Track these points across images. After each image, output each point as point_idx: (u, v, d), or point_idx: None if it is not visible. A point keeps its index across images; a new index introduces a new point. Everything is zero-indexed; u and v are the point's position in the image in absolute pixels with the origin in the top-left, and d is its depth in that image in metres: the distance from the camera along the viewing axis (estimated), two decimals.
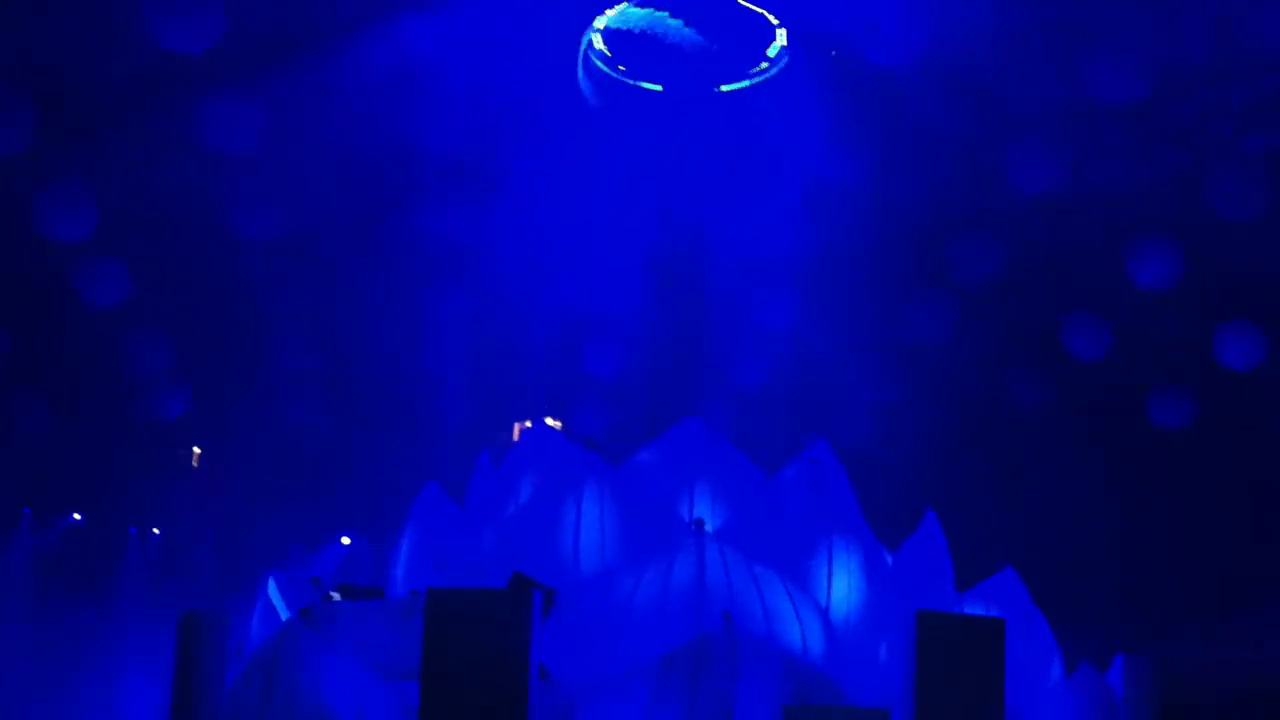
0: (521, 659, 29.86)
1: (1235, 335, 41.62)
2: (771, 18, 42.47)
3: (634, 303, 46.03)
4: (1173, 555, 39.73)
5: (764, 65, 43.19)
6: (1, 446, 39.71)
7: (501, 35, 45.17)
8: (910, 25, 40.92)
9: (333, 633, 31.56)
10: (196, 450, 46.18)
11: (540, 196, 46.28)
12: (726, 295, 45.92)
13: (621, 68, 42.60)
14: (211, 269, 44.51)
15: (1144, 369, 42.29)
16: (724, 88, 43.64)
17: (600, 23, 41.94)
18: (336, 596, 33.67)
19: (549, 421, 37.59)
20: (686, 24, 40.54)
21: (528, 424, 38.91)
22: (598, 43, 42.67)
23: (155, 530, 40.43)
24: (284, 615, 33.48)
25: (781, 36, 42.44)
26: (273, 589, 34.19)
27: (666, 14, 40.89)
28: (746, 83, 43.55)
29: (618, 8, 41.40)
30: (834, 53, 43.75)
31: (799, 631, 31.91)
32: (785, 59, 42.64)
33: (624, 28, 40.79)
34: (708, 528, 33.51)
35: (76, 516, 40.93)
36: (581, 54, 43.18)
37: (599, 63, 41.81)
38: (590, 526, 33.73)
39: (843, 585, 33.06)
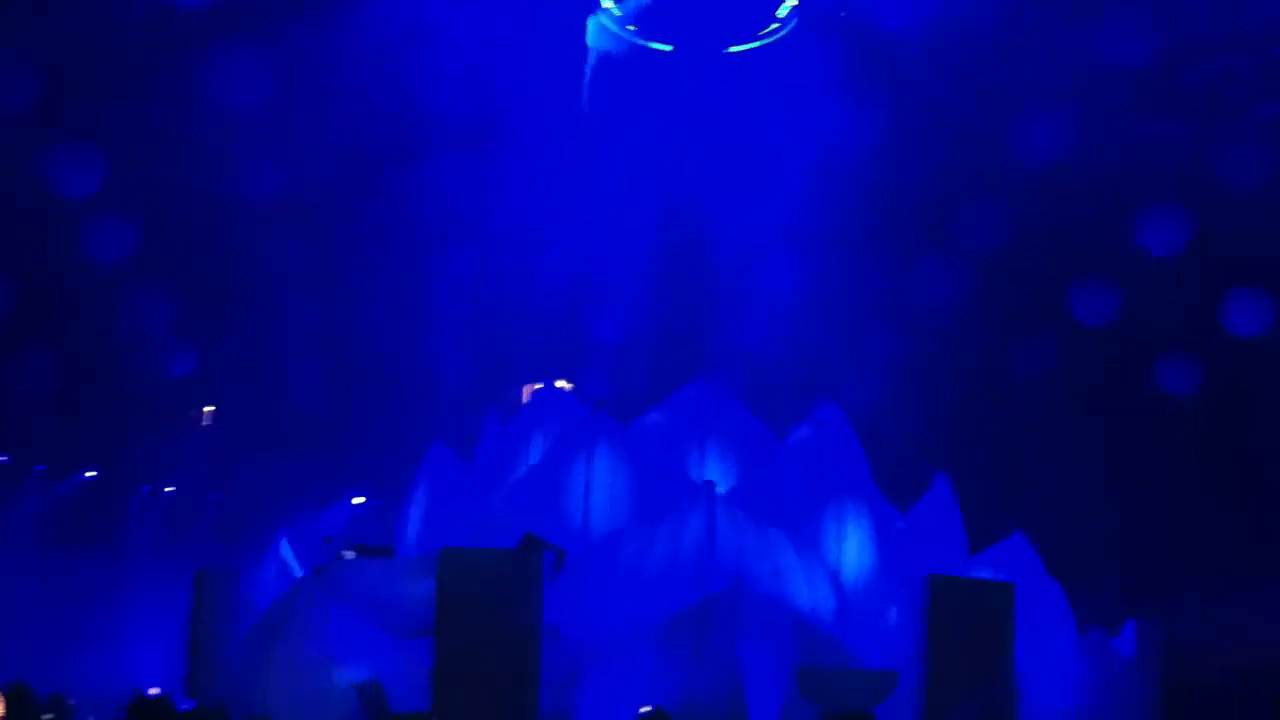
0: (532, 618, 30.02)
1: (1243, 302, 41.67)
2: None
3: (640, 266, 45.96)
4: (1181, 521, 39.86)
5: (774, 26, 42.96)
6: (12, 404, 39.70)
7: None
8: None
9: (345, 591, 31.73)
10: (207, 408, 46.20)
11: (545, 159, 46.13)
12: (733, 258, 45.85)
13: (631, 28, 42.43)
14: (217, 226, 44.38)
15: (1151, 336, 42.31)
16: (733, 49, 43.41)
17: None
18: (349, 555, 33.80)
19: (559, 383, 37.64)
20: None
21: (538, 386, 38.94)
22: (607, 2, 42.46)
23: (167, 489, 40.48)
24: (296, 573, 33.65)
25: None
26: (285, 547, 34.33)
27: None
28: (756, 44, 43.31)
29: None
30: (844, 13, 43.54)
31: (808, 593, 32.14)
32: (795, 20, 42.44)
33: None
34: (718, 489, 33.69)
35: (89, 474, 40.97)
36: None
37: (609, 23, 41.61)
38: (601, 487, 33.91)
39: (852, 548, 33.28)
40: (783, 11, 41.11)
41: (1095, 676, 32.27)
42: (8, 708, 28.70)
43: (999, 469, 39.58)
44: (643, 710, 28.88)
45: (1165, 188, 42.67)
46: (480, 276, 45.82)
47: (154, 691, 30.01)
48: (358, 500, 36.73)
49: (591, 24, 44.40)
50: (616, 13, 41.22)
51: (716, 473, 34.57)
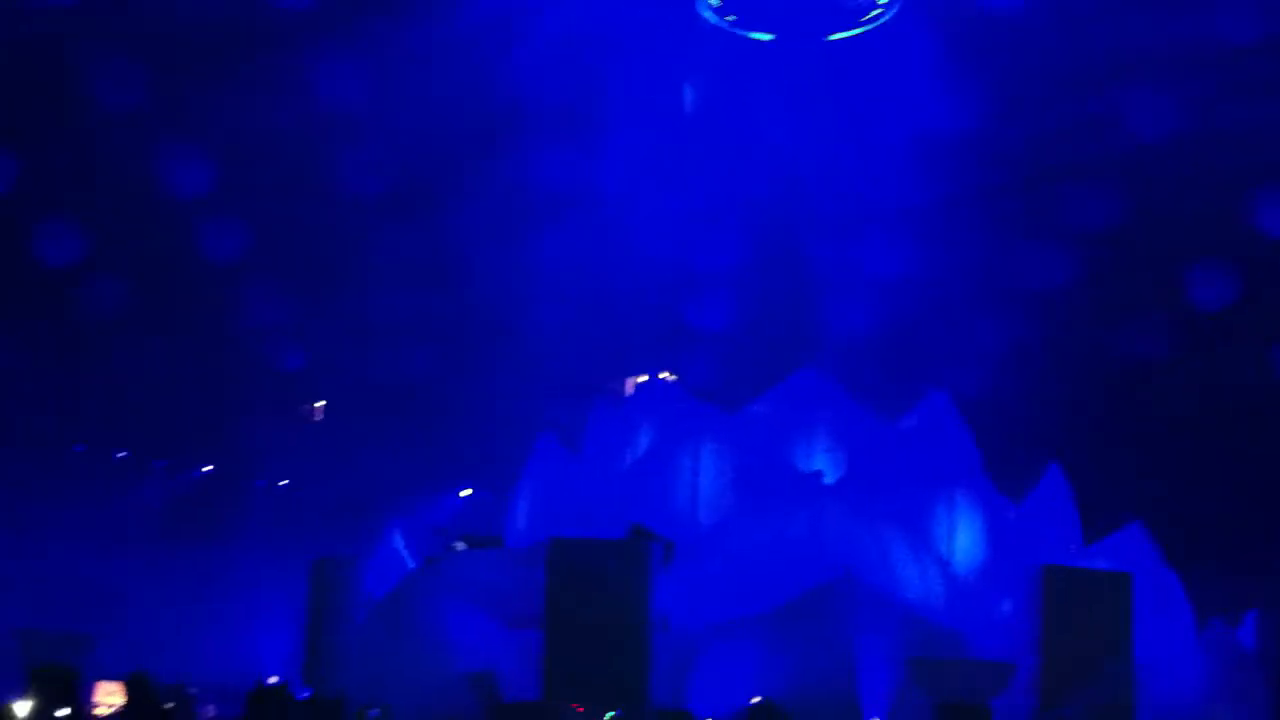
0: (642, 608, 30.20)
1: None
2: None
3: (744, 252, 45.80)
4: None
5: (875, 12, 42.52)
6: (130, 400, 40.58)
7: None
8: None
9: (456, 581, 32.08)
10: (319, 404, 46.88)
11: (646, 147, 46.11)
12: (839, 243, 45.49)
13: (731, 17, 42.21)
14: (327, 222, 45.01)
15: (1272, 321, 41.27)
16: (834, 36, 43.03)
17: None
18: (460, 546, 34.12)
19: (663, 374, 37.63)
20: None
21: (643, 378, 39.00)
22: None
23: (282, 481, 41.18)
24: (408, 563, 34.07)
25: None
26: (397, 538, 34.75)
27: None
28: (857, 30, 42.91)
29: None
30: None
31: (919, 584, 31.85)
32: (897, 6, 41.98)
33: None
34: (826, 479, 33.50)
35: (206, 468, 41.80)
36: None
37: (709, 13, 41.43)
38: (707, 478, 33.88)
39: (964, 538, 32.91)
40: None
41: (1215, 668, 31.52)
42: (130, 697, 29.38)
43: (1113, 456, 38.87)
44: (753, 700, 28.87)
45: None
46: (584, 267, 45.96)
47: (273, 680, 30.52)
48: (465, 492, 37.03)
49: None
50: (715, 2, 41.03)
51: (824, 462, 34.33)
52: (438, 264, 45.06)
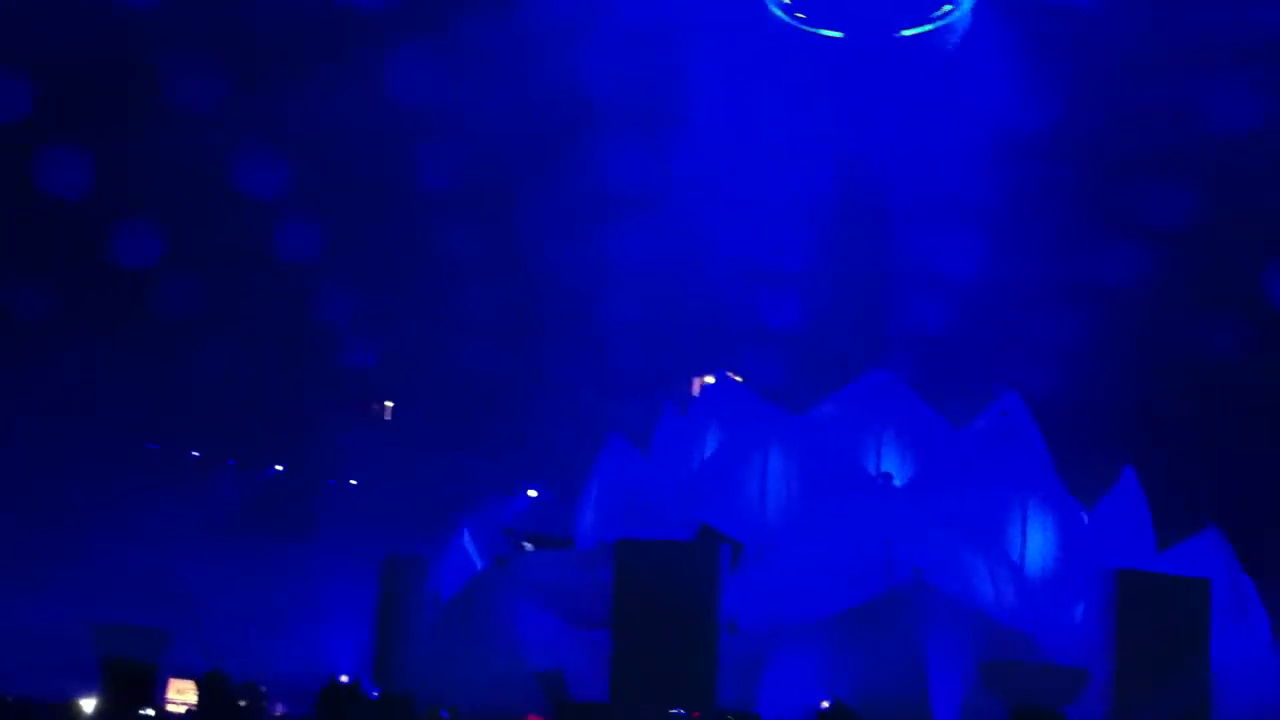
0: (710, 610, 30.14)
1: None
2: None
3: (815, 251, 45.53)
4: None
5: (947, 9, 42.16)
6: (203, 400, 41.02)
7: None
8: None
9: (525, 581, 32.15)
10: (388, 404, 47.18)
11: (719, 144, 45.98)
12: (910, 242, 45.08)
13: (800, 15, 41.99)
14: (400, 221, 45.29)
15: None
16: (905, 32, 42.68)
17: None
18: (528, 546, 34.21)
19: (730, 374, 37.48)
20: None
21: (709, 379, 38.86)
22: None
23: (353, 481, 41.48)
24: (477, 563, 34.18)
25: None
26: (466, 538, 34.86)
27: None
28: (929, 26, 42.54)
29: None
30: None
31: (991, 588, 31.50)
32: (968, 2, 41.58)
33: None
34: (895, 482, 33.23)
35: (278, 468, 42.19)
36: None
37: (779, 11, 41.23)
38: (776, 479, 33.72)
39: (1036, 542, 32.51)
40: None
41: None
42: (203, 695, 29.72)
43: (1188, 459, 38.21)
44: (824, 704, 28.70)
45: None
46: (655, 265, 45.90)
47: (344, 679, 30.72)
48: (532, 493, 37.09)
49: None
50: (787, 1, 40.87)
51: (894, 464, 34.06)
52: (510, 263, 45.20)
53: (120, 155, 40.99)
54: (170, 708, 30.49)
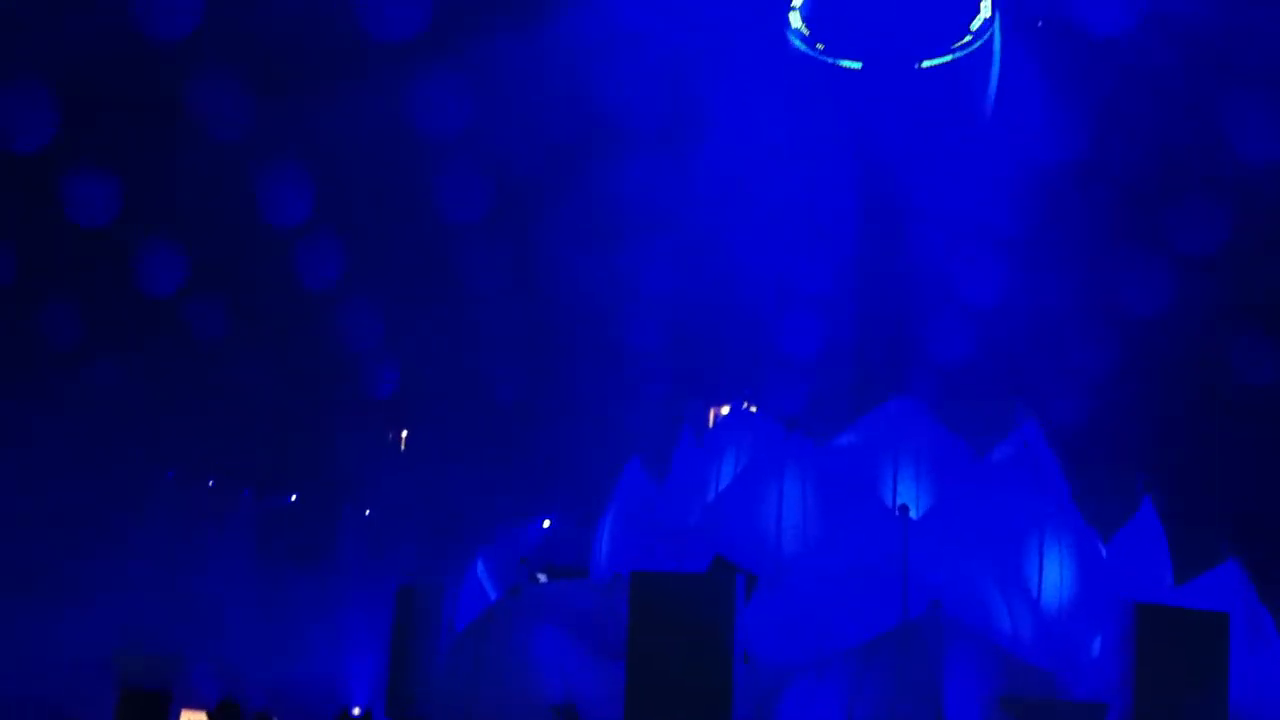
0: (725, 642, 29.89)
1: None
2: None
3: (835, 278, 45.39)
4: None
5: (967, 39, 42.12)
6: (219, 427, 41.23)
7: (700, 8, 44.90)
8: None
9: (540, 611, 32.05)
10: (404, 432, 47.28)
11: (740, 170, 45.95)
12: (933, 269, 44.92)
13: (820, 45, 42.01)
14: (421, 246, 45.41)
15: None
16: (925, 63, 42.68)
17: (798, 1, 41.35)
18: (542, 577, 34.11)
19: (746, 404, 37.40)
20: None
21: (725, 409, 38.79)
22: (795, 21, 42.08)
23: (367, 511, 41.56)
24: (492, 593, 34.10)
25: (986, 8, 41.20)
26: (481, 568, 34.81)
27: None
28: (949, 57, 42.50)
29: None
30: (1040, 23, 42.35)
31: (1009, 621, 31.20)
32: (989, 31, 41.51)
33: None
34: (913, 513, 32.95)
35: (293, 496, 42.32)
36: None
37: (798, 41, 41.26)
38: (793, 509, 33.50)
39: (1054, 574, 32.20)
40: (976, 24, 40.20)
41: None
42: None
43: (1207, 489, 37.82)
44: None
45: None
46: (673, 293, 45.88)
47: (356, 711, 30.73)
48: (546, 523, 37.08)
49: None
50: (805, 31, 40.88)
51: (911, 495, 33.79)
52: (530, 288, 45.24)
53: (135, 180, 41.28)
54: None
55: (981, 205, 44.13)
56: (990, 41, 41.04)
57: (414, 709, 31.56)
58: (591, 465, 38.38)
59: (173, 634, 31.36)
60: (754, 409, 36.51)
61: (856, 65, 41.23)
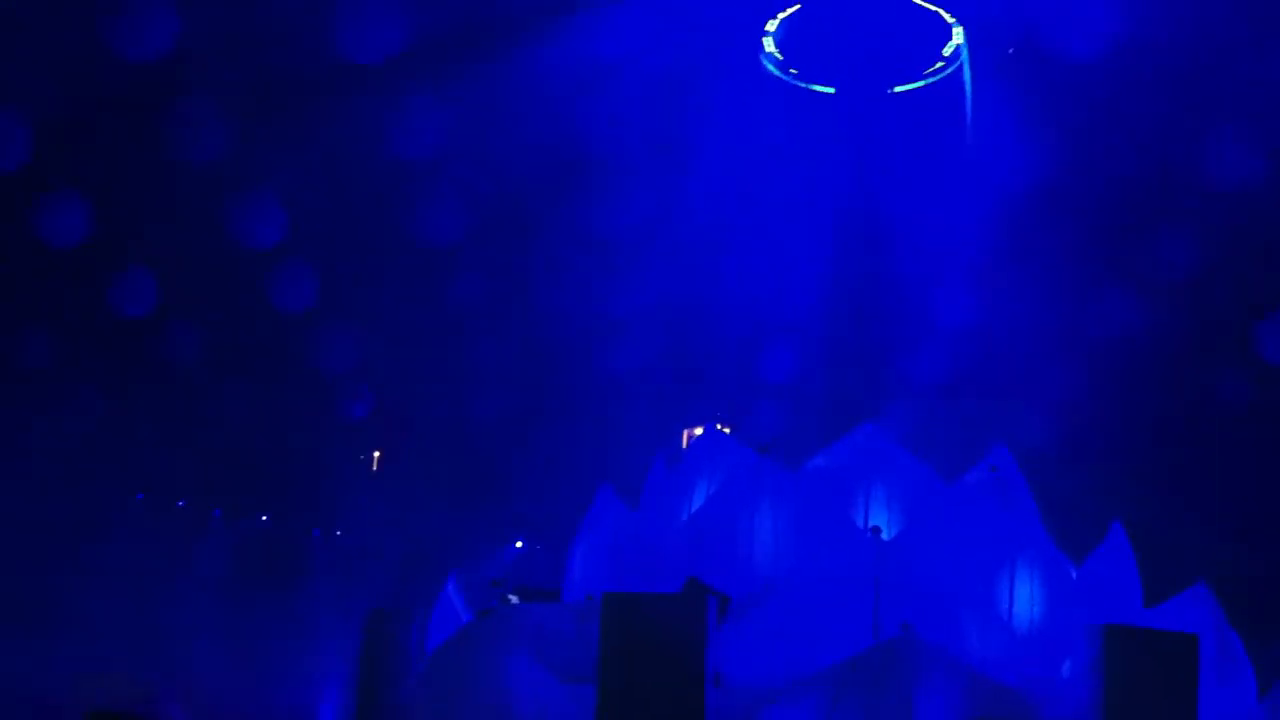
0: (698, 664, 29.80)
1: None
2: (948, 16, 41.62)
3: (812, 304, 45.56)
4: None
5: (939, 65, 42.41)
6: (190, 449, 41.08)
7: (678, 36, 45.10)
8: (1096, 18, 39.70)
9: (511, 634, 31.93)
10: (376, 454, 47.19)
11: (717, 197, 46.14)
12: (906, 295, 45.15)
13: (794, 70, 42.24)
14: (396, 273, 45.40)
15: None
16: (897, 89, 42.96)
17: (772, 26, 41.61)
18: (514, 599, 34.02)
19: (719, 427, 37.47)
20: (859, 25, 40.08)
21: (698, 431, 38.85)
22: (769, 46, 42.34)
23: (338, 532, 41.42)
24: (463, 616, 33.99)
25: (958, 35, 41.54)
26: (452, 590, 34.70)
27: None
28: (921, 83, 42.79)
29: (789, 10, 41.05)
30: (1011, 50, 42.68)
31: (979, 643, 31.26)
32: (961, 58, 41.80)
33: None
34: (884, 535, 33.00)
35: (263, 518, 42.16)
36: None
37: (772, 66, 41.51)
38: (765, 534, 33.53)
39: (1024, 598, 32.30)
40: (948, 50, 40.50)
41: None
42: None
43: (1175, 515, 38.00)
44: None
45: None
46: (650, 318, 45.95)
47: None
48: (519, 545, 37.00)
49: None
50: (779, 56, 41.11)
51: (883, 518, 33.88)
52: (503, 314, 45.27)
53: (111, 203, 41.23)
54: None
55: (954, 229, 44.40)
56: (962, 68, 41.33)
57: None
58: (564, 489, 38.32)
59: (140, 657, 31.12)
60: (727, 430, 36.57)
61: (830, 90, 41.46)
